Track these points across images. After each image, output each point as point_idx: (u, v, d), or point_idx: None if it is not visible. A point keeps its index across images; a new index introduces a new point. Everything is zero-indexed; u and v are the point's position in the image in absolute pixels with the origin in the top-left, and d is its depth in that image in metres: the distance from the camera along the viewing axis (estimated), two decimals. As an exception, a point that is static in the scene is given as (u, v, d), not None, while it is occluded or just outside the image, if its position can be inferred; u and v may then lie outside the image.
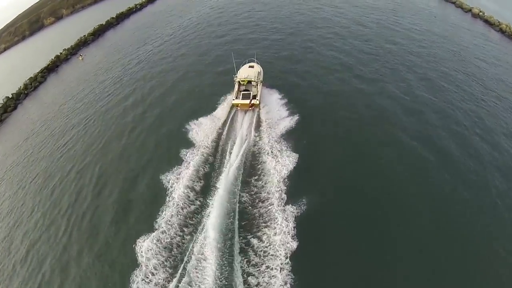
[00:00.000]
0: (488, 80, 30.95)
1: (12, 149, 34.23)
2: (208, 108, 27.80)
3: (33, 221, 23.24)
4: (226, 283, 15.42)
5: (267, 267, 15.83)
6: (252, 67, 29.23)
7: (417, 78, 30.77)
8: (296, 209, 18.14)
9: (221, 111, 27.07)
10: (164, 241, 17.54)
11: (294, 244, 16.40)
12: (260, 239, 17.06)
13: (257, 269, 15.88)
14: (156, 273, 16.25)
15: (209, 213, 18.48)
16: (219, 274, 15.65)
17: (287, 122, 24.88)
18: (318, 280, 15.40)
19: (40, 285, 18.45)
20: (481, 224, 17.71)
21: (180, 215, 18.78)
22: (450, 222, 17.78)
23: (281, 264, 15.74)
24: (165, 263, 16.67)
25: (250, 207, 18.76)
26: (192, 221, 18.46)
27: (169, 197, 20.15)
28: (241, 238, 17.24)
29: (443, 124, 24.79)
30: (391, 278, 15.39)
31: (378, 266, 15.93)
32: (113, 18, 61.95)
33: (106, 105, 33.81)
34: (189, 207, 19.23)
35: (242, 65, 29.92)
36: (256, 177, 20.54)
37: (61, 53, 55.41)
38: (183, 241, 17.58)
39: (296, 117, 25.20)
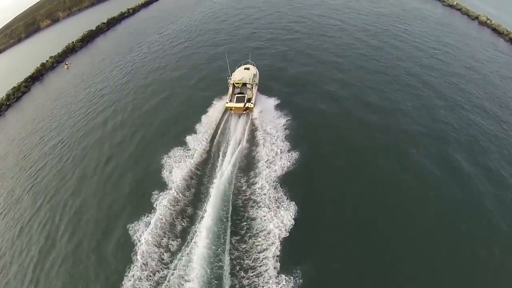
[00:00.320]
0: (507, 99, 27.55)
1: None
2: (200, 112, 25.89)
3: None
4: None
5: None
6: (247, 69, 27.44)
7: (426, 89, 27.65)
8: (291, 214, 16.93)
9: (214, 114, 25.33)
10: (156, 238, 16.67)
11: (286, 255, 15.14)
12: (251, 249, 15.81)
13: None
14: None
15: (201, 219, 17.52)
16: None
17: (283, 127, 23.27)
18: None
19: None
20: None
21: (168, 222, 17.64)
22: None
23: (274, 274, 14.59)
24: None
25: (243, 213, 17.59)
26: (183, 224, 17.65)
27: (153, 211, 18.47)
28: (233, 241, 16.25)
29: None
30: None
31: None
32: (104, 23, 58.12)
33: (84, 127, 29.27)
34: (180, 212, 18.19)
35: (238, 67, 28.08)
36: (249, 182, 19.23)
37: (47, 61, 51.84)
38: (172, 243, 16.59)
39: (292, 122, 23.63)
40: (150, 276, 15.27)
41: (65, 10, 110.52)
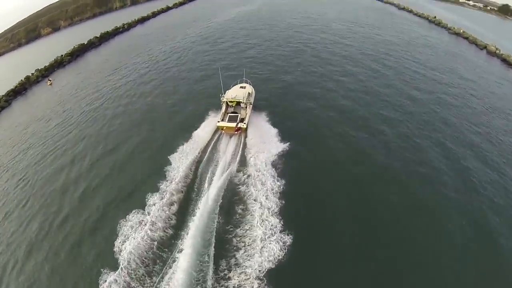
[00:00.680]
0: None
1: None
2: (189, 129, 23.90)
3: None
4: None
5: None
6: (243, 87, 26.02)
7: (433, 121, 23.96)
8: (280, 251, 14.71)
9: (204, 133, 23.37)
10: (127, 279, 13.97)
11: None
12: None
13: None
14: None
15: (182, 246, 15.32)
16: None
17: (277, 152, 21.12)
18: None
19: None
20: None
21: (149, 247, 15.32)
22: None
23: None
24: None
25: (228, 244, 15.33)
26: (163, 252, 15.24)
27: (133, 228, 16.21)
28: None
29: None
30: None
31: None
32: (96, 37, 54.84)
33: (49, 167, 24.38)
34: (160, 237, 15.86)
35: (233, 85, 26.76)
36: (236, 211, 17.12)
37: (32, 74, 48.18)
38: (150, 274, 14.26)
39: (287, 148, 21.43)
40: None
41: (66, 19, 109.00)
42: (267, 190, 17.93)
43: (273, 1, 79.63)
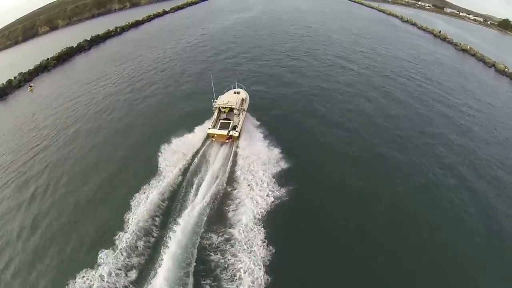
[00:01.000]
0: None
1: None
2: (175, 136, 21.24)
3: None
4: None
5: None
6: (237, 93, 24.12)
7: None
8: (265, 273, 12.81)
9: (193, 141, 21.06)
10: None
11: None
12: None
13: None
14: None
15: (161, 263, 13.38)
16: None
17: (271, 164, 18.98)
18: None
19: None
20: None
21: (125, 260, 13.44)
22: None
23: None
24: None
25: (211, 262, 13.53)
26: (139, 267, 13.40)
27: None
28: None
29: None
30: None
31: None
32: (86, 40, 50.97)
33: (12, 195, 19.49)
34: (136, 253, 13.86)
35: (227, 90, 24.80)
36: (222, 227, 15.13)
37: (15, 78, 44.17)
38: None
39: (282, 161, 19.29)
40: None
41: (65, 18, 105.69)
42: (257, 207, 15.83)
43: (273, 9, 76.44)
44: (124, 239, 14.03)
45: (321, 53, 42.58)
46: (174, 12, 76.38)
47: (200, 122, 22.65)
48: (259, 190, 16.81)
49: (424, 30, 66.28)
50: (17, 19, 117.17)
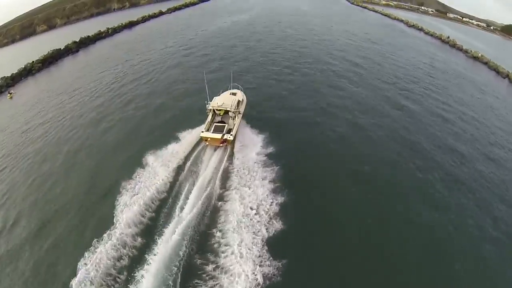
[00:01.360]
0: None
1: None
2: (166, 141, 20.03)
3: None
4: None
5: None
6: (234, 94, 22.81)
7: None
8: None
9: (184, 145, 19.83)
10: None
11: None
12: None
13: None
14: None
15: (146, 269, 12.64)
16: None
17: (267, 171, 17.80)
18: None
19: None
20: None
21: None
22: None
23: None
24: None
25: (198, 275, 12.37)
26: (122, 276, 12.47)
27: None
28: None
29: None
30: None
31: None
32: (75, 42, 46.76)
33: None
34: (121, 260, 12.90)
35: (223, 91, 23.48)
36: (213, 237, 13.94)
37: (-3, 82, 40.10)
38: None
39: (278, 167, 18.05)
40: None
41: (63, 17, 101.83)
42: (250, 218, 14.72)
43: (272, 10, 72.22)
44: (104, 249, 13.10)
45: (329, 58, 38.99)
46: (170, 13, 72.27)
47: (193, 125, 21.23)
48: (252, 199, 15.63)
49: (431, 35, 62.16)
50: (16, 17, 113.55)
